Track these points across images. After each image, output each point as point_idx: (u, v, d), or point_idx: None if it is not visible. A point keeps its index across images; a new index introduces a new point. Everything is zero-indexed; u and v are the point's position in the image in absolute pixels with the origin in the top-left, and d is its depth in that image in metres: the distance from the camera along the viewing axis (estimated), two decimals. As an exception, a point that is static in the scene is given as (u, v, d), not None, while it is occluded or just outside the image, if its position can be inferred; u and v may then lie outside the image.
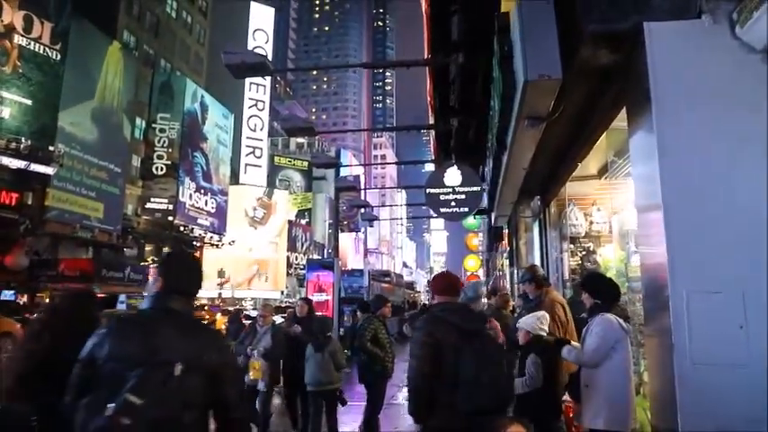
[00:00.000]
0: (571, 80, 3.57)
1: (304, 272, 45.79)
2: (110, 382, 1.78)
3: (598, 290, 3.82)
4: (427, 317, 3.09)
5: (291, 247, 45.19)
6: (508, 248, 13.89)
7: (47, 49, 22.85)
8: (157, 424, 1.72)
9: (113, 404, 1.70)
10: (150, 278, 2.39)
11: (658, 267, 3.07)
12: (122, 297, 14.81)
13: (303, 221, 51.29)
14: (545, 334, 4.13)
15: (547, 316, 4.26)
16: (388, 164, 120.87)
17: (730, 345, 2.76)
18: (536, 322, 4.14)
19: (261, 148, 44.74)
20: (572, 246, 7.22)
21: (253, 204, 41.40)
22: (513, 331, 4.55)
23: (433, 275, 4.45)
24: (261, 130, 44.69)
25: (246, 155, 43.77)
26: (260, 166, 44.68)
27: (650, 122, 3.10)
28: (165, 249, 31.94)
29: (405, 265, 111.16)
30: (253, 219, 41.00)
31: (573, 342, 4.01)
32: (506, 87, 3.98)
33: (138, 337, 1.87)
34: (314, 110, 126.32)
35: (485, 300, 6.98)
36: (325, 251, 53.94)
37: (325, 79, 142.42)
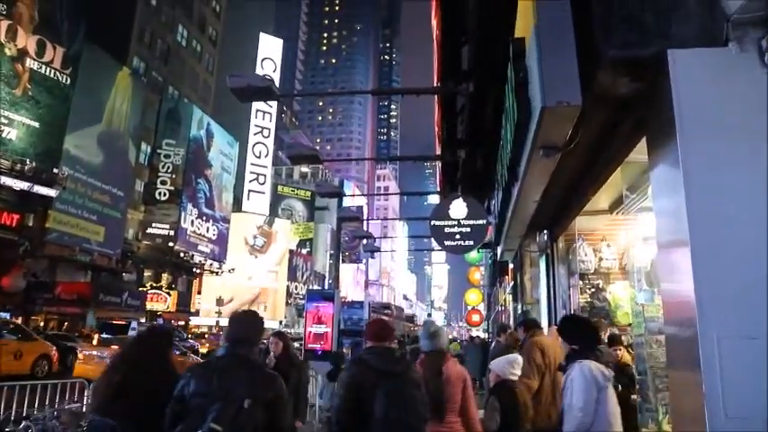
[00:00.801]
0: (589, 108, 3.43)
1: (303, 302, 45.59)
2: (196, 414, 2.35)
3: (575, 335, 3.63)
4: (353, 359, 3.45)
5: (292, 276, 44.92)
6: (512, 283, 13.67)
7: (57, 73, 23.12)
8: None
9: (200, 431, 2.28)
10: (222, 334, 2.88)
11: (685, 308, 2.84)
12: (134, 324, 15.44)
13: (304, 251, 51.10)
14: (515, 378, 4.05)
15: (520, 359, 4.16)
16: (392, 194, 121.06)
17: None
18: (507, 366, 4.04)
19: (265, 175, 45.01)
20: (581, 282, 7.09)
21: (253, 232, 41.30)
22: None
23: (369, 322, 4.55)
24: (265, 156, 45.05)
25: (250, 181, 44.05)
26: (263, 193, 44.87)
27: (675, 154, 2.93)
28: (165, 275, 31.68)
29: (405, 297, 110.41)
30: (253, 247, 40.82)
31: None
32: (521, 115, 3.84)
33: (216, 378, 2.44)
34: (318, 140, 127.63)
35: (499, 338, 6.77)
36: (326, 282, 53.50)
37: (330, 110, 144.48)
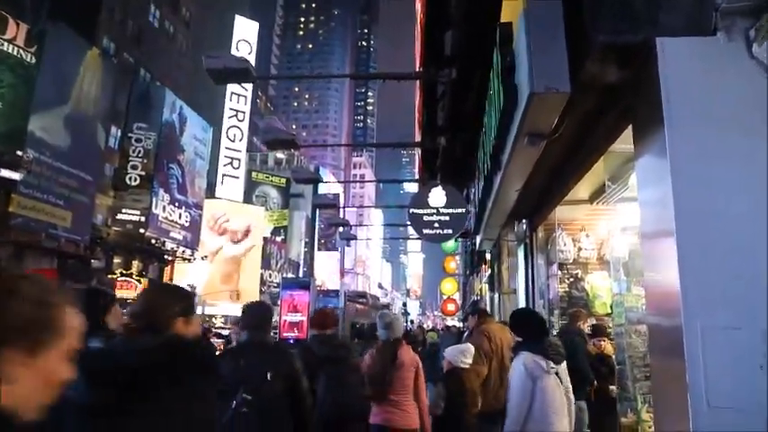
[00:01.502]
0: (576, 95, 3.40)
1: (278, 290, 45.25)
2: (230, 390, 2.84)
3: (521, 327, 3.91)
4: (301, 346, 4.09)
5: (266, 264, 44.50)
6: (489, 272, 13.77)
7: (21, 51, 22.24)
8: (262, 410, 2.84)
9: (234, 401, 2.82)
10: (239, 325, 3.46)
11: (668, 299, 2.84)
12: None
13: (279, 239, 50.64)
14: (466, 366, 4.38)
15: (471, 349, 4.50)
16: (369, 182, 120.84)
17: (750, 387, 2.53)
18: (458, 354, 4.34)
19: (239, 159, 44.30)
20: (559, 272, 7.17)
21: (225, 219, 40.77)
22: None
23: (314, 311, 5.21)
24: (240, 140, 44.31)
25: (224, 165, 43.31)
26: (237, 178, 44.18)
27: (662, 142, 2.91)
28: (135, 262, 31.05)
29: (380, 286, 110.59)
30: (222, 228, 40.34)
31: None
32: (507, 101, 3.80)
33: (242, 360, 3.03)
34: (294, 126, 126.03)
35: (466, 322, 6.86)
36: (300, 270, 53.22)
37: (306, 96, 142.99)
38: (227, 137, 43.53)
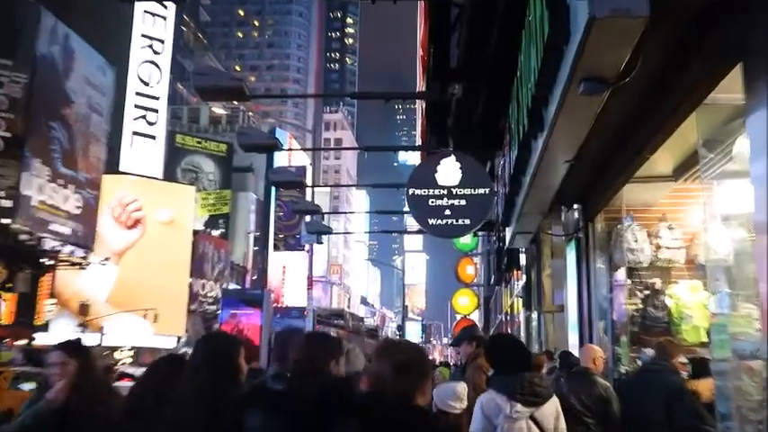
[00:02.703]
0: (656, 21, 3.41)
1: (215, 308, 45.07)
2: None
3: (495, 358, 4.36)
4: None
5: (197, 270, 44.45)
6: (523, 282, 13.84)
7: None
8: None
9: None
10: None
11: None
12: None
13: (216, 233, 50.59)
14: (457, 412, 4.61)
15: (464, 389, 4.73)
16: (349, 149, 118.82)
17: None
18: (449, 398, 4.57)
19: (157, 111, 44.26)
20: (629, 281, 7.22)
21: (136, 205, 40.51)
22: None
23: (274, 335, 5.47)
24: (158, 83, 44.22)
25: (135, 119, 43.03)
26: (154, 139, 44.13)
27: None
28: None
29: (365, 301, 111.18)
30: (132, 219, 40.19)
31: None
32: (554, 32, 3.89)
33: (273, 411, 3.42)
34: (238, 69, 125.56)
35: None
36: (248, 278, 53.26)
37: (256, 23, 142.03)
38: (139, 77, 43.21)
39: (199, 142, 53.86)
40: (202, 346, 3.63)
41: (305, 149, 66.21)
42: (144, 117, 43.59)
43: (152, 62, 43.92)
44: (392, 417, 2.67)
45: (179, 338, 40.87)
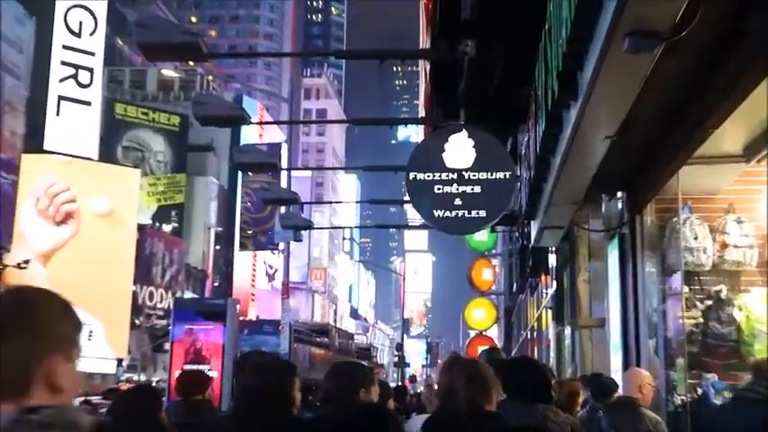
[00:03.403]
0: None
1: (166, 322, 44.71)
2: None
3: (503, 381, 4.36)
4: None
5: (143, 275, 44.43)
6: (554, 290, 13.86)
7: None
8: None
9: None
10: None
11: None
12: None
13: (168, 228, 50.52)
14: None
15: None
16: (334, 122, 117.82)
17: None
18: None
19: (91, 70, 43.89)
20: (687, 288, 7.20)
21: (68, 195, 40.26)
22: None
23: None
24: (92, 35, 43.85)
25: (62, 80, 42.63)
26: (88, 105, 43.77)
27: None
28: None
29: (355, 314, 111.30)
30: (63, 213, 39.96)
31: None
32: None
33: None
34: (194, 20, 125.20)
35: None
36: (208, 285, 53.27)
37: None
38: (67, 26, 42.64)
39: (145, 113, 53.55)
40: (253, 376, 4.30)
41: (279, 123, 66.03)
42: (74, 77, 43.06)
43: (84, 7, 43.45)
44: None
45: (120, 362, 40.63)
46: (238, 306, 14.47)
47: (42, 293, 1.83)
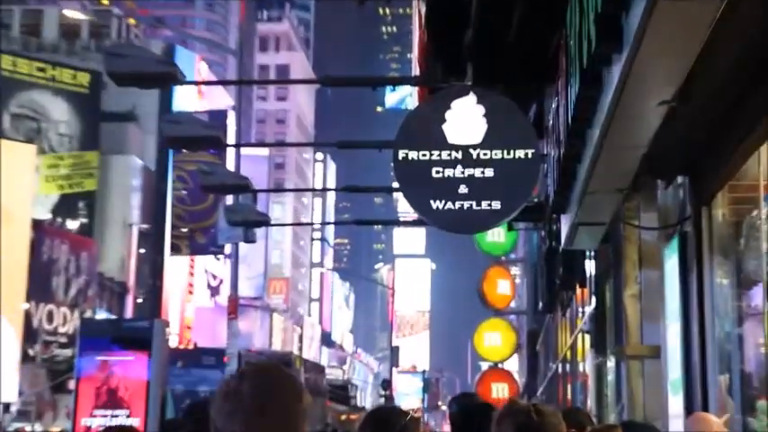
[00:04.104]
0: None
1: (70, 353, 44.91)
2: None
3: None
4: None
5: (39, 289, 44.41)
6: (592, 307, 13.94)
7: None
8: None
9: None
10: None
11: None
12: None
13: (74, 225, 50.54)
14: None
15: None
16: (300, 83, 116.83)
17: None
18: None
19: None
20: (771, 305, 7.15)
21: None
22: None
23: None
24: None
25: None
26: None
27: None
28: None
29: (328, 340, 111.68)
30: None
31: None
32: None
33: None
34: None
35: None
36: (131, 302, 53.38)
37: None
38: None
39: (41, 69, 53.64)
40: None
41: (225, 83, 66.27)
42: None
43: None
44: None
45: (7, 407, 40.65)
46: (169, 330, 14.42)
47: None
